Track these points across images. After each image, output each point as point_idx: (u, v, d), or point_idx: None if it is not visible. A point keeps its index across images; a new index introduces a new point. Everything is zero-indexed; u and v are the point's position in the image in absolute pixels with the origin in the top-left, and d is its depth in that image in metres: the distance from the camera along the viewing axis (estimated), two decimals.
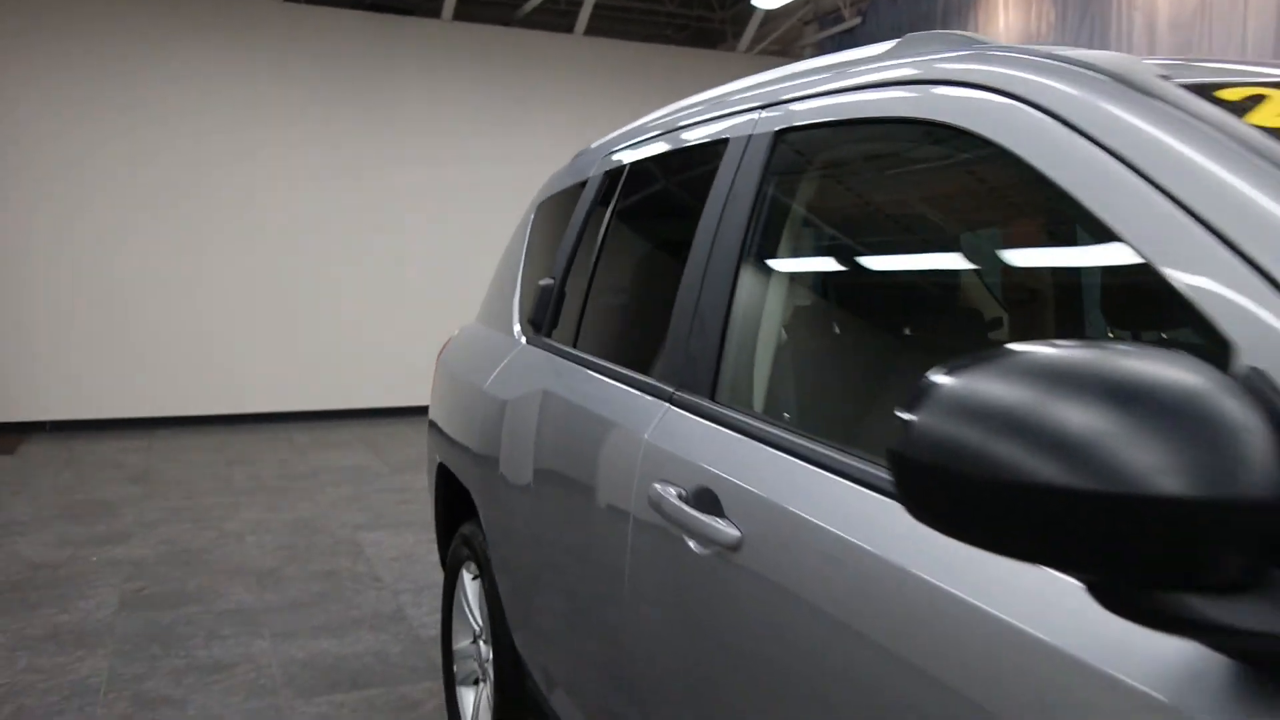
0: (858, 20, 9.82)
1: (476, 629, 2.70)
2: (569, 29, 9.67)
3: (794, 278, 1.60)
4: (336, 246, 8.86)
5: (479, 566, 2.57)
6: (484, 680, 2.65)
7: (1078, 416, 0.68)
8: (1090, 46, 7.85)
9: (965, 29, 8.85)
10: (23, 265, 8.04)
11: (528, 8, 9.39)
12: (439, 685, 3.29)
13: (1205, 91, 1.02)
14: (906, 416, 0.75)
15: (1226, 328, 0.81)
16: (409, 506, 5.78)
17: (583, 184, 2.49)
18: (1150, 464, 0.66)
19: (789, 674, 1.17)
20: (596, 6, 9.40)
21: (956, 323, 1.47)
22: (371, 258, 8.93)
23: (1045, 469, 0.68)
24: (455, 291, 8.19)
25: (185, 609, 4.06)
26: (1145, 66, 1.07)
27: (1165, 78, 1.04)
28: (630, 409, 1.71)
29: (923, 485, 0.74)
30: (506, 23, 9.59)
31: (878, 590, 1.04)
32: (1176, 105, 0.98)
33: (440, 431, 2.89)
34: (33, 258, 8.06)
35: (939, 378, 0.75)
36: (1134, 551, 0.68)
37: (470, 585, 2.76)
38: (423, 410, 3.90)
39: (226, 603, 4.15)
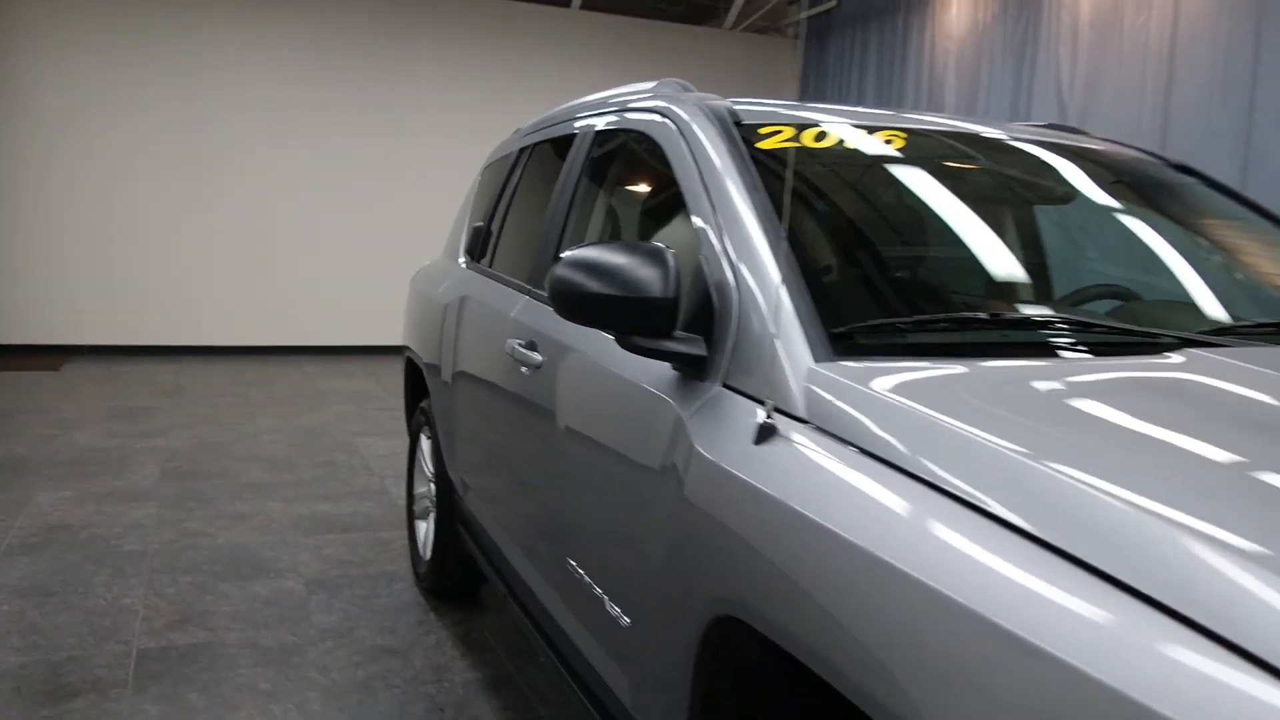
0: (834, 3, 10.67)
1: (429, 475, 3.75)
2: (565, 3, 10.53)
3: (592, 218, 2.61)
4: (353, 200, 9.84)
5: (431, 430, 3.61)
6: (431, 511, 3.70)
7: (613, 263, 1.68)
8: (1026, 38, 8.72)
9: (924, 19, 9.77)
10: (66, 205, 9.06)
11: None
12: (406, 533, 4.34)
13: (749, 124, 2.01)
14: (554, 269, 1.76)
15: (705, 252, 1.82)
16: (399, 422, 6.78)
17: (509, 154, 3.49)
18: (641, 282, 1.66)
19: (561, 433, 2.20)
20: None
21: (642, 234, 2.48)
22: (383, 213, 9.90)
23: (601, 287, 1.69)
24: None
25: (213, 481, 5.14)
26: (725, 107, 2.07)
27: (734, 115, 2.04)
28: (507, 300, 2.73)
29: (558, 296, 1.75)
30: None
31: (603, 382, 2.06)
32: (718, 130, 1.97)
33: (408, 330, 3.94)
34: (75, 198, 9.08)
35: (565, 253, 1.76)
36: (635, 321, 1.69)
37: (425, 445, 3.81)
38: None
39: (246, 478, 5.22)
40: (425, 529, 3.81)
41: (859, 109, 2.36)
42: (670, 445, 1.65)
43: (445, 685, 3.01)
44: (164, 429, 6.31)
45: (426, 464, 3.78)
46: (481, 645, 3.31)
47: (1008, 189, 2.21)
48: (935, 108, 9.56)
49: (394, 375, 8.59)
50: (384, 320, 9.80)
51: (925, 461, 1.19)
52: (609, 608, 1.87)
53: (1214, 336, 1.65)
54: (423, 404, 3.78)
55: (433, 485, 3.66)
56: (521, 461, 2.49)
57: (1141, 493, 1.01)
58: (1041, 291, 2.00)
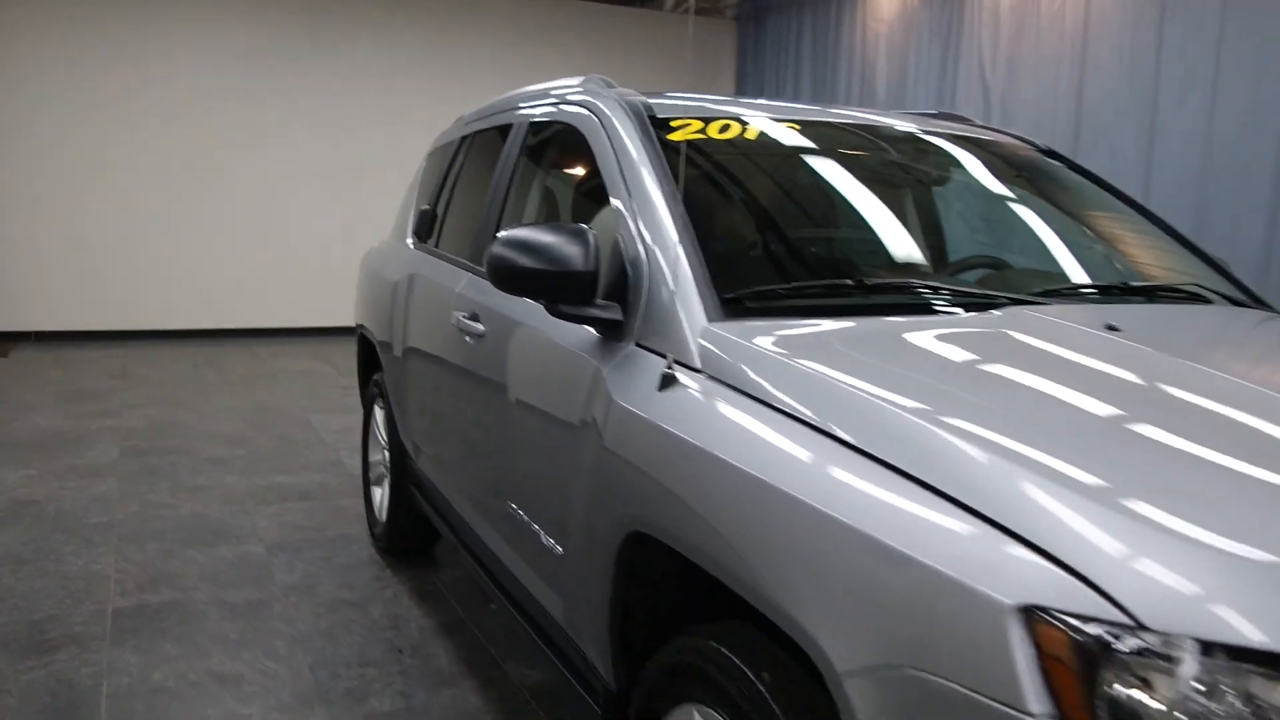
0: None
1: (383, 443, 4.00)
2: None
3: (527, 202, 2.88)
4: (302, 183, 9.93)
5: (384, 400, 3.86)
6: (386, 477, 3.95)
7: (542, 241, 1.96)
8: (951, 22, 9.07)
9: (856, 3, 10.09)
10: (8, 190, 9.06)
11: None
12: (361, 500, 4.58)
13: (662, 118, 2.30)
14: (491, 247, 2.04)
15: (621, 231, 2.10)
16: (351, 399, 6.98)
17: (452, 142, 3.74)
18: (566, 257, 1.94)
19: (501, 393, 2.47)
20: None
21: (569, 215, 2.76)
22: (332, 197, 10.01)
23: (532, 262, 1.96)
24: None
25: (170, 457, 5.32)
26: (642, 102, 2.35)
27: (649, 109, 2.32)
28: (451, 277, 3.00)
29: (494, 271, 2.02)
30: None
31: (536, 346, 2.33)
32: (634, 123, 2.25)
33: (360, 308, 4.18)
34: (17, 183, 9.09)
35: (501, 233, 2.03)
36: (561, 291, 1.97)
37: (379, 415, 4.06)
38: None
39: (204, 454, 5.41)
40: (380, 494, 4.06)
41: (764, 102, 2.65)
42: (591, 395, 1.94)
43: (402, 631, 3.28)
44: (118, 410, 6.46)
45: (380, 433, 4.03)
46: (435, 596, 3.59)
47: (885, 172, 2.53)
48: (867, 89, 9.92)
49: (344, 355, 8.75)
50: (333, 302, 9.94)
51: (787, 398, 1.50)
52: (544, 540, 2.16)
53: (1038, 296, 1.98)
54: (375, 377, 4.02)
55: (386, 452, 3.91)
56: (468, 422, 2.77)
57: (936, 413, 1.33)
58: (905, 262, 2.32)
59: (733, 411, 1.58)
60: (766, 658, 1.43)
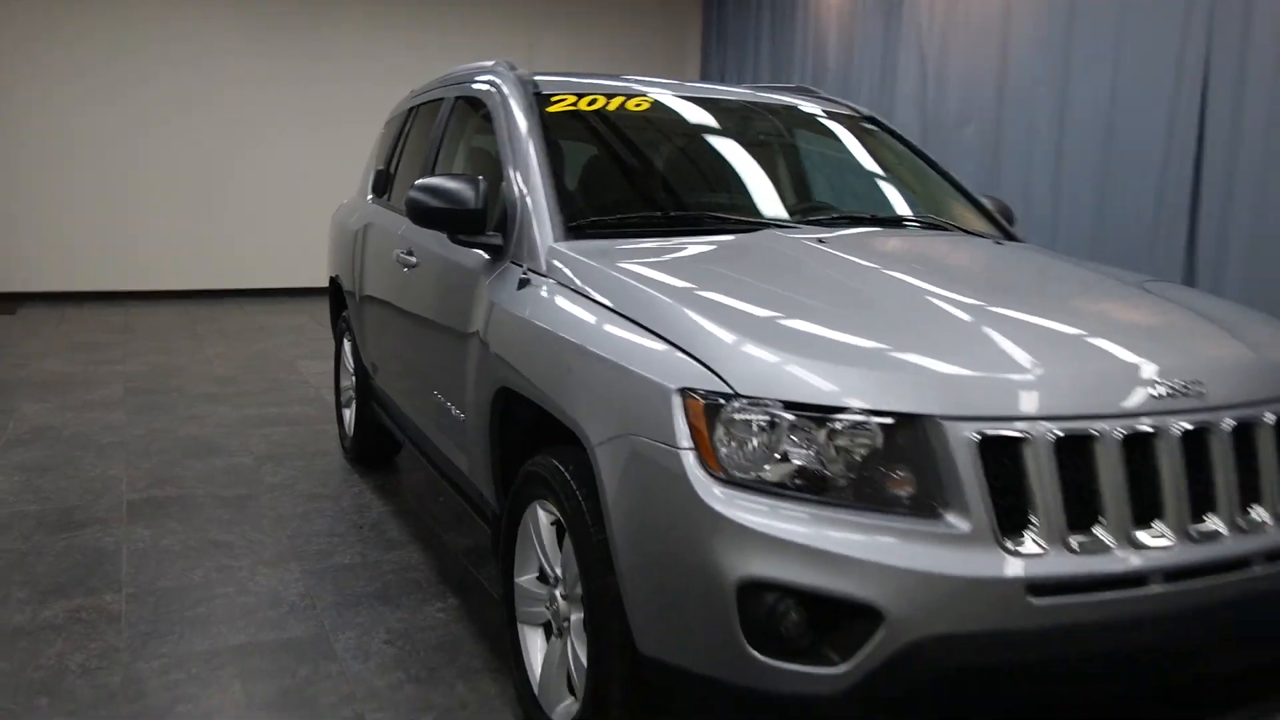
0: None
1: (350, 370, 4.74)
2: None
3: (453, 160, 3.59)
4: (293, 148, 10.60)
5: (350, 334, 4.59)
6: (353, 399, 4.69)
7: (445, 187, 2.68)
8: (889, 8, 9.67)
9: None
10: (11, 158, 9.73)
11: None
12: (337, 426, 5.31)
13: (546, 94, 3.01)
14: (409, 192, 2.76)
15: (505, 179, 2.82)
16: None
17: (404, 111, 4.44)
18: (462, 199, 2.66)
19: (428, 306, 3.20)
20: None
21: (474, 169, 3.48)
22: (322, 161, 10.66)
23: (438, 203, 2.69)
24: None
25: (171, 395, 6.06)
26: (531, 81, 3.05)
27: (536, 86, 3.03)
28: (396, 223, 3.72)
29: (411, 211, 2.75)
30: None
31: (445, 267, 3.06)
32: (522, 97, 2.97)
33: (330, 257, 4.90)
34: (19, 152, 9.75)
35: (417, 181, 2.75)
36: (459, 224, 2.70)
37: (347, 347, 4.79)
38: None
39: (199, 391, 6.15)
40: (349, 414, 4.80)
41: (634, 80, 3.34)
42: (479, 298, 2.68)
43: (365, 515, 4.03)
44: (121, 358, 7.19)
45: (348, 361, 4.76)
46: (393, 491, 4.34)
47: (716, 134, 3.24)
48: (819, 60, 10.58)
49: (329, 313, 9.46)
50: (321, 263, 10.65)
51: (585, 286, 2.24)
52: (454, 412, 2.91)
53: (796, 222, 2.72)
54: (344, 314, 4.75)
55: (353, 378, 4.65)
56: (407, 334, 3.50)
57: (668, 288, 2.07)
58: (709, 201, 3.05)
59: (556, 298, 2.32)
60: (571, 459, 2.17)
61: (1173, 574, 1.76)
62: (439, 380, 3.09)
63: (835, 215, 2.99)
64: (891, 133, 3.51)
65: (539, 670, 2.37)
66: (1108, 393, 1.79)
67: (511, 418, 2.53)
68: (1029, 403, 1.74)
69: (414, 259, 3.36)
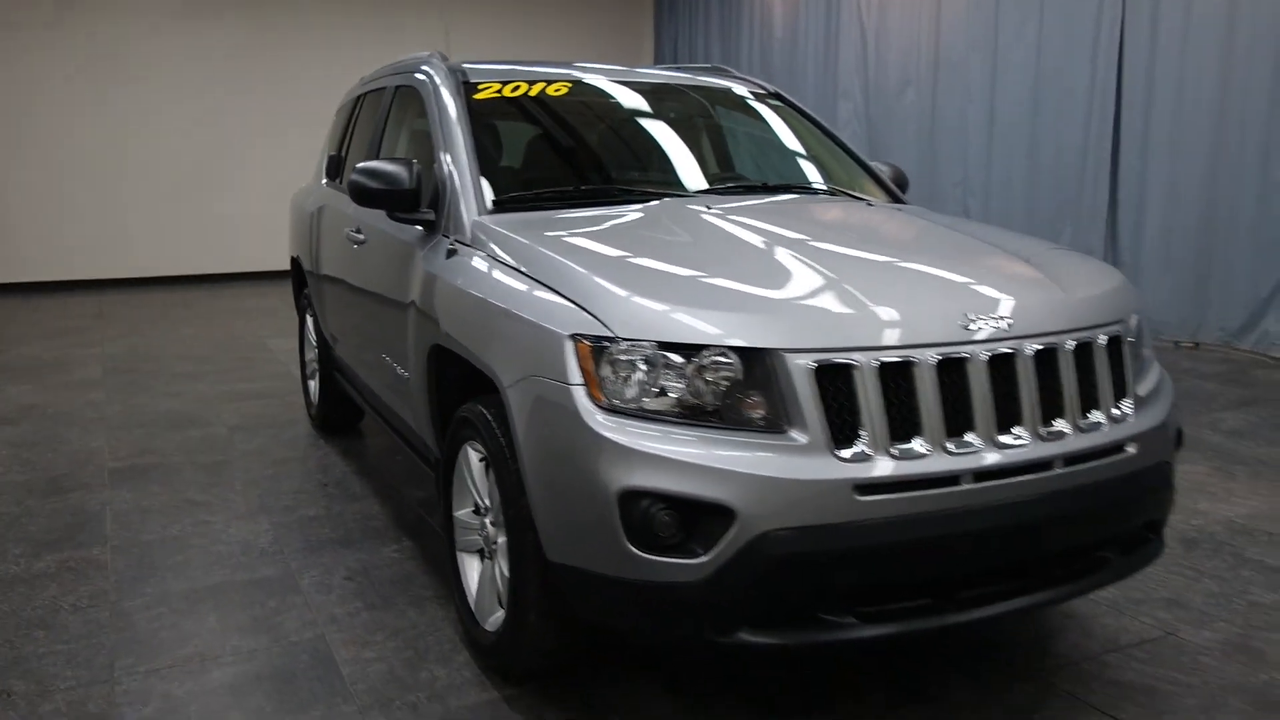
0: None
1: (313, 343, 5.06)
2: None
3: (395, 145, 3.90)
4: (265, 135, 10.82)
5: (312, 310, 4.91)
6: (317, 371, 5.01)
7: (382, 169, 3.00)
8: None
9: None
10: None
11: None
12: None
13: (473, 82, 3.32)
14: (350, 175, 3.08)
15: (437, 161, 3.14)
16: None
17: (353, 99, 4.74)
18: (398, 180, 2.99)
19: (373, 279, 3.53)
20: None
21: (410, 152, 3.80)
22: (297, 146, 10.89)
23: (376, 184, 3.02)
24: None
25: (148, 374, 6.36)
26: (460, 70, 3.37)
27: (464, 74, 3.35)
28: (346, 204, 4.02)
29: (353, 192, 3.07)
30: None
31: (386, 242, 3.38)
32: (451, 85, 3.28)
33: (291, 239, 5.20)
34: None
35: (357, 165, 3.07)
36: (395, 203, 3.03)
37: (310, 322, 5.11)
38: None
39: (176, 370, 6.45)
40: (314, 385, 5.13)
41: (556, 66, 3.66)
42: (415, 269, 3.01)
43: (329, 474, 4.37)
44: (98, 341, 7.47)
45: (311, 336, 5.08)
46: (356, 453, 4.68)
47: (630, 113, 3.57)
48: (766, 33, 10.86)
49: None
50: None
51: (500, 252, 2.58)
52: (399, 371, 3.25)
53: (693, 192, 3.06)
54: (305, 291, 5.07)
55: (316, 350, 4.97)
56: (359, 306, 3.83)
57: (567, 249, 2.41)
58: (619, 175, 3.38)
59: (478, 265, 2.66)
60: (492, 404, 2.51)
61: (981, 475, 2.13)
62: (386, 344, 3.42)
63: (731, 184, 3.33)
64: (795, 107, 3.85)
65: (475, 589, 2.73)
66: (925, 327, 2.15)
67: (445, 372, 2.87)
68: (856, 336, 2.10)
69: (362, 236, 3.68)
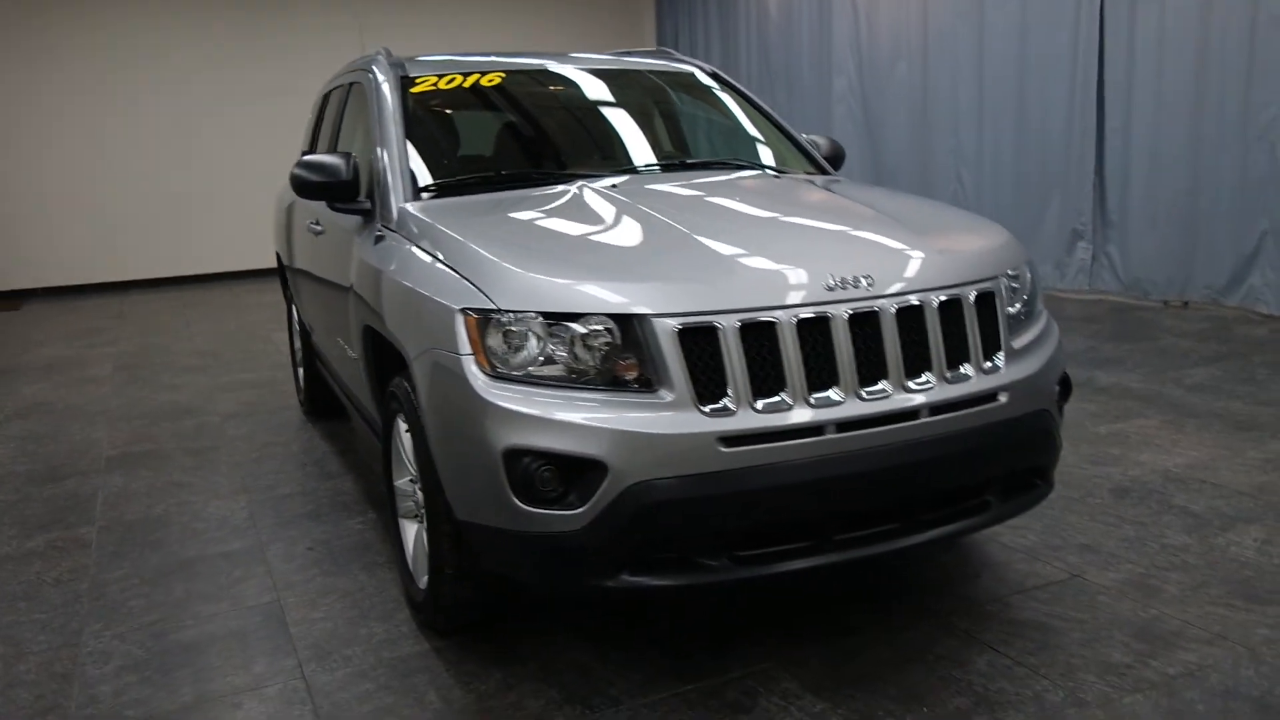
0: None
1: (298, 330, 5.29)
2: None
3: (349, 133, 4.09)
4: (272, 134, 11.13)
5: (293, 301, 5.14)
6: (302, 364, 5.25)
7: (322, 162, 3.20)
8: None
9: None
10: (16, 163, 10.31)
11: None
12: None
13: (411, 76, 3.51)
14: (292, 169, 3.28)
15: (374, 154, 3.33)
16: None
17: (320, 98, 4.95)
18: (337, 172, 3.19)
19: (327, 265, 3.74)
20: None
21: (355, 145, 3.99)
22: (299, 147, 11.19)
23: (317, 177, 3.22)
24: None
25: (154, 369, 6.65)
26: (400, 64, 3.55)
27: (403, 69, 3.53)
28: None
29: (294, 184, 3.27)
30: None
31: (333, 230, 3.59)
32: (390, 80, 3.47)
33: (274, 233, 5.44)
34: (24, 157, 10.33)
35: (300, 158, 3.28)
36: (335, 194, 3.23)
37: (294, 311, 5.34)
38: None
39: (181, 364, 6.74)
40: (302, 372, 5.37)
41: (503, 56, 3.83)
42: (353, 255, 3.21)
43: (310, 455, 4.61)
44: (114, 340, 7.80)
45: (298, 325, 5.32)
46: (339, 437, 4.91)
47: (559, 100, 3.74)
48: (762, 12, 10.92)
49: None
50: None
51: (418, 234, 2.77)
52: (350, 353, 3.45)
53: (612, 173, 3.22)
54: (289, 282, 5.30)
55: (299, 341, 5.21)
56: (319, 293, 4.04)
57: (473, 231, 2.59)
58: (542, 158, 3.55)
59: (397, 248, 2.85)
60: (410, 379, 2.70)
61: (845, 425, 2.28)
62: (340, 328, 3.63)
63: (648, 164, 3.48)
64: (733, 87, 3.99)
65: (412, 551, 2.93)
66: (786, 289, 2.30)
67: (381, 351, 3.07)
68: (719, 300, 2.25)
69: (320, 228, 3.89)
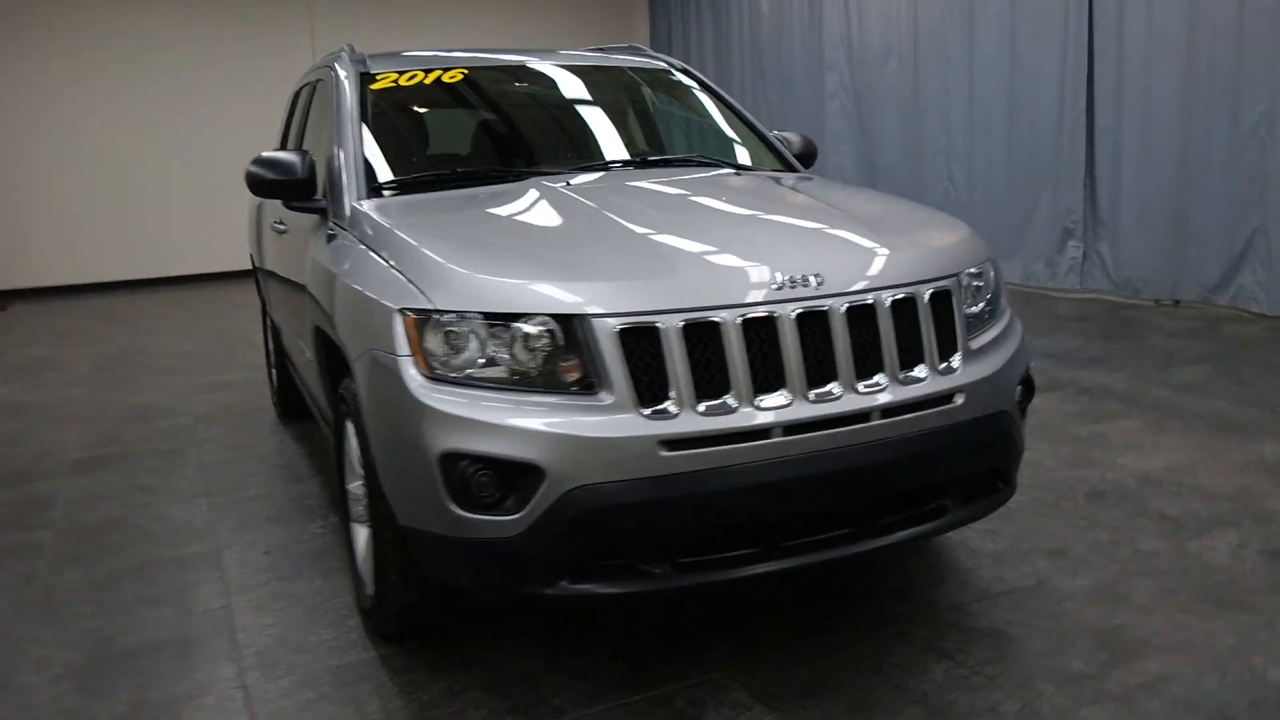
0: None
1: (271, 331, 5.23)
2: None
3: (314, 131, 4.03)
4: (249, 139, 11.06)
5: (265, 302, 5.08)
6: (275, 365, 5.18)
7: (277, 160, 3.14)
8: None
9: None
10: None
11: None
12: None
13: (373, 73, 3.44)
14: (248, 166, 3.22)
15: (331, 151, 3.27)
16: None
17: (291, 95, 4.89)
18: (292, 170, 3.13)
19: (289, 263, 3.67)
20: None
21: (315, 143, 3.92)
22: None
23: (273, 175, 3.15)
24: None
25: (132, 369, 6.59)
26: (362, 62, 3.49)
27: (364, 66, 3.47)
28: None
29: (249, 183, 3.21)
30: None
31: (293, 229, 3.52)
32: (351, 78, 3.40)
33: (248, 235, 5.38)
34: (3, 160, 10.29)
35: (260, 156, 3.21)
36: (290, 192, 3.17)
37: (267, 312, 5.28)
38: None
39: (159, 365, 6.68)
40: (274, 375, 5.31)
41: (465, 52, 3.76)
42: (307, 254, 3.14)
43: (280, 458, 4.54)
44: (96, 341, 7.74)
45: (271, 326, 5.26)
46: (309, 439, 4.84)
47: (518, 97, 3.67)
48: (754, 9, 10.85)
49: None
50: None
51: (369, 233, 2.70)
52: (306, 354, 3.39)
53: (568, 171, 3.15)
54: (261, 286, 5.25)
55: (271, 342, 5.15)
56: (281, 293, 3.98)
57: (417, 228, 2.53)
58: (497, 155, 3.48)
59: (345, 247, 2.78)
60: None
61: (792, 428, 2.21)
62: (297, 328, 3.57)
63: (610, 161, 3.41)
64: (704, 84, 3.92)
65: (362, 554, 2.87)
66: (730, 289, 2.23)
67: (331, 352, 3.01)
68: (659, 300, 2.18)
69: (283, 227, 3.83)
